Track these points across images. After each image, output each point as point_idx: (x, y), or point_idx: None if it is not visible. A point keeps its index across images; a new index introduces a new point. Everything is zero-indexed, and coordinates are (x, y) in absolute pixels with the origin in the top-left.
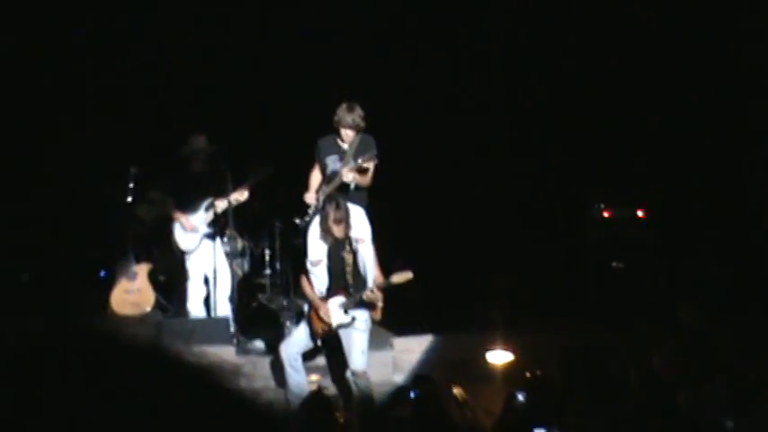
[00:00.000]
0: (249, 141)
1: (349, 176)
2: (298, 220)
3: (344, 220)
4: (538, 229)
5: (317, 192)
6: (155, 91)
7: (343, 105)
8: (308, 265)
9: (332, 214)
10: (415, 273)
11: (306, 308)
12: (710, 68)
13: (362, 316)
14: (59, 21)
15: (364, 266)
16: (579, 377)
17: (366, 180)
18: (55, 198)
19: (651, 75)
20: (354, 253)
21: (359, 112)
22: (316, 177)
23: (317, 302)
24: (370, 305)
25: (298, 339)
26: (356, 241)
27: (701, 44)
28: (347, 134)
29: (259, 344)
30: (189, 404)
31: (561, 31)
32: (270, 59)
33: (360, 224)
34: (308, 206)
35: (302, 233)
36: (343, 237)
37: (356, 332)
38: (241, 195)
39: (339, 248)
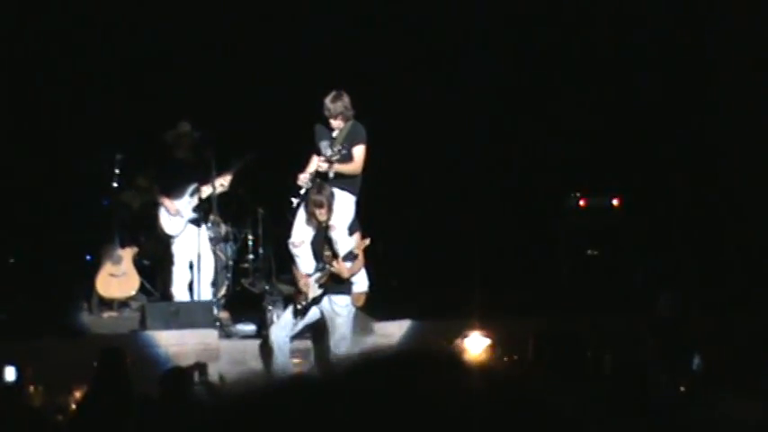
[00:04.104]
0: (234, 128)
1: (323, 166)
2: (293, 200)
3: (325, 205)
4: (515, 217)
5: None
6: (141, 77)
7: (330, 95)
8: (290, 246)
9: (312, 198)
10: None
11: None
12: (687, 60)
13: (343, 302)
14: (46, 5)
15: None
16: (554, 362)
17: (349, 168)
18: (41, 183)
19: (628, 65)
20: (329, 238)
21: (344, 101)
22: (313, 160)
23: (299, 276)
24: (348, 290)
25: (288, 323)
26: (330, 227)
27: (679, 37)
28: (333, 122)
29: (241, 327)
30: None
31: (538, 21)
32: (257, 47)
33: (337, 210)
34: (300, 187)
35: (292, 214)
36: (325, 221)
37: (338, 318)
38: (225, 181)
39: (321, 232)
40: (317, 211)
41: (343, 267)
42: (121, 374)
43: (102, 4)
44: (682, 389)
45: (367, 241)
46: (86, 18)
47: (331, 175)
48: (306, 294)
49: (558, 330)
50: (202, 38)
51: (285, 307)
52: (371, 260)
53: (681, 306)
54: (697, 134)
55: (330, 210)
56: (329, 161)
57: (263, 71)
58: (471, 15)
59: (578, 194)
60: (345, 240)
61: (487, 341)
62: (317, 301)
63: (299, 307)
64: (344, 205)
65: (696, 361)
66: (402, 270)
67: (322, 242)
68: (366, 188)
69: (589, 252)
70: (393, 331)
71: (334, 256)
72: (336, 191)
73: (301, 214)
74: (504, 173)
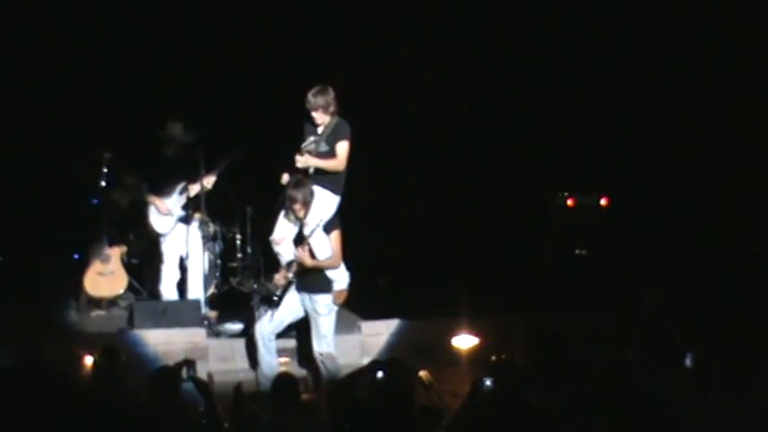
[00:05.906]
0: (223, 127)
1: (300, 161)
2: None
3: (299, 201)
4: (503, 216)
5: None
6: (131, 75)
7: (314, 88)
8: (272, 243)
9: (288, 193)
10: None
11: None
12: (673, 61)
13: (324, 301)
14: (36, 5)
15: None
16: (542, 360)
17: (331, 164)
18: (29, 182)
19: (615, 65)
20: (305, 234)
21: (327, 95)
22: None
23: (281, 270)
24: (329, 289)
25: (270, 319)
26: (305, 224)
27: (666, 36)
28: (317, 117)
29: (229, 326)
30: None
31: (524, 24)
32: (245, 45)
33: (316, 208)
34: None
35: (275, 211)
36: (302, 217)
37: (318, 317)
38: (209, 181)
39: (301, 228)
40: (293, 207)
41: (304, 255)
42: (117, 373)
43: (90, 3)
44: (672, 386)
45: (335, 234)
46: (75, 17)
47: (311, 170)
48: (278, 287)
49: (547, 329)
50: (191, 37)
51: (269, 305)
52: (359, 259)
53: (661, 300)
54: (683, 133)
55: (307, 206)
56: (303, 153)
57: (252, 69)
58: (459, 15)
59: (566, 194)
60: (320, 238)
61: (476, 340)
62: (286, 289)
63: (274, 299)
64: (324, 204)
65: (687, 359)
66: (390, 269)
67: (298, 238)
68: (353, 186)
69: (577, 251)
70: (381, 330)
71: (311, 252)
72: (317, 188)
73: (283, 211)
74: (492, 172)
